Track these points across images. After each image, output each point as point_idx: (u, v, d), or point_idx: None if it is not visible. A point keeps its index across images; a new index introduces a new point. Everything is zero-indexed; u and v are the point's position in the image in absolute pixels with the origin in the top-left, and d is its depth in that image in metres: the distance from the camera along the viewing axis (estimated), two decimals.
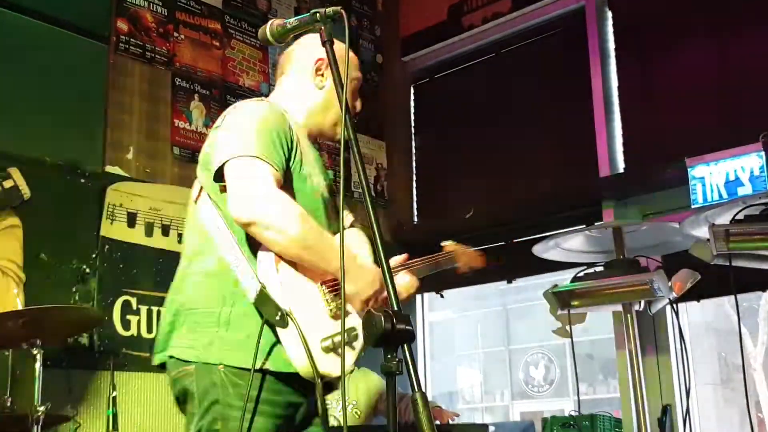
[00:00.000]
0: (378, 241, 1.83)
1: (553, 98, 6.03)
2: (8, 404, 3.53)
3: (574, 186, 5.71)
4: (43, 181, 4.48)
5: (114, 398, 4.06)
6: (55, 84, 4.67)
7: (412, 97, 6.98)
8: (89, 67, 4.88)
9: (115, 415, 4.16)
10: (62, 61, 4.74)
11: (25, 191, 4.43)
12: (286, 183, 2.26)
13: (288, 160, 2.27)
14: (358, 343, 2.27)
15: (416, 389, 1.61)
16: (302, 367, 2.14)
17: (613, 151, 5.59)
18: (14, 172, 4.40)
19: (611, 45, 5.76)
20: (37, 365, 3.39)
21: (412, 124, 6.93)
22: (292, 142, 2.30)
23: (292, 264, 2.21)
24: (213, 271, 2.25)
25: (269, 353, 2.16)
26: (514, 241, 6.08)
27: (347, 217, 2.61)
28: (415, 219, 6.76)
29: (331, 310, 2.26)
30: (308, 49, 2.53)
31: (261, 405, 2.15)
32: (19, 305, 4.07)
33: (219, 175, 2.22)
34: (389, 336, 1.66)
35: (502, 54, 6.41)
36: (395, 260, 2.63)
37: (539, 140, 6.05)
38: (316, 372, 2.13)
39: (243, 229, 2.17)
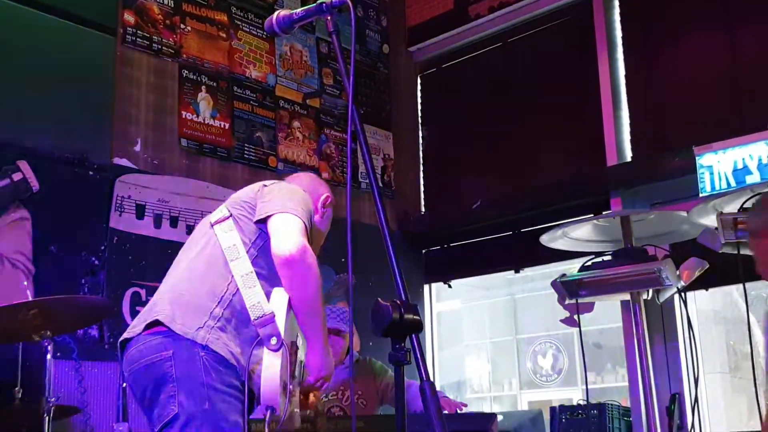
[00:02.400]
0: (386, 232, 1.83)
1: (561, 88, 6.02)
2: (19, 395, 3.55)
3: (582, 175, 5.70)
4: (51, 174, 4.50)
5: (124, 389, 4.08)
6: (62, 76, 4.69)
7: (419, 87, 6.97)
8: (97, 59, 4.89)
9: (124, 406, 4.18)
10: (70, 53, 4.75)
11: (34, 184, 4.44)
12: None
13: None
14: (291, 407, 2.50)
15: (424, 379, 1.61)
16: (267, 391, 2.35)
17: (621, 139, 5.58)
18: (23, 165, 4.42)
19: (618, 34, 5.74)
20: (48, 356, 3.41)
21: (419, 115, 6.92)
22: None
23: (291, 314, 2.48)
24: (218, 279, 2.49)
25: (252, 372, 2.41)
26: (522, 230, 6.08)
27: None
28: (422, 209, 6.76)
29: (290, 361, 2.47)
30: (317, 185, 2.96)
31: (236, 392, 2.35)
32: (29, 297, 4.09)
33: (261, 221, 2.56)
34: (397, 326, 1.66)
35: (509, 43, 6.39)
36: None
37: (546, 130, 6.04)
38: (276, 404, 2.38)
39: (279, 264, 2.43)
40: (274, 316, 2.39)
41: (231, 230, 2.55)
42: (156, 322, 2.38)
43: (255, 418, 3.70)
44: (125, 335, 2.45)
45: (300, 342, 2.58)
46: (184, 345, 2.33)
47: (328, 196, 2.89)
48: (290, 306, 2.46)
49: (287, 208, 2.52)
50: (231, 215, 2.60)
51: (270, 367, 2.34)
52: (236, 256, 2.49)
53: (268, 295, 2.44)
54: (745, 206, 3.66)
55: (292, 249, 2.42)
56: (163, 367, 2.32)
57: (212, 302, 2.43)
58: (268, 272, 2.49)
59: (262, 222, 2.54)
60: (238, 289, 2.44)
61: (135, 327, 2.44)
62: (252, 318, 2.39)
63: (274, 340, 2.35)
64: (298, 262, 2.41)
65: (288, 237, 2.45)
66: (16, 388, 3.56)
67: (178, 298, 2.45)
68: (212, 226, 2.60)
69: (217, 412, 2.28)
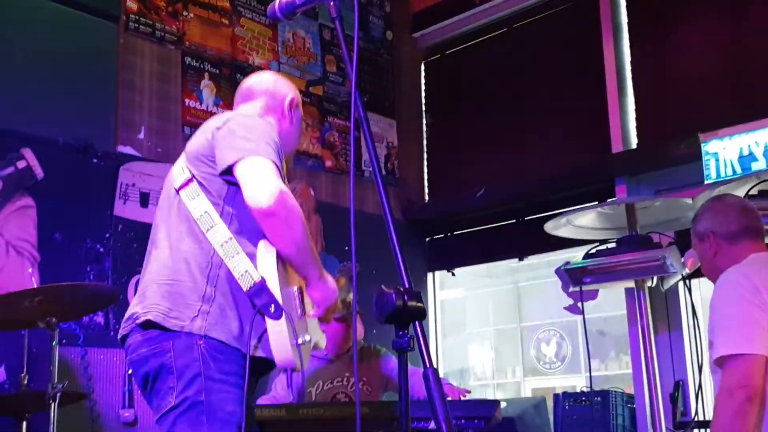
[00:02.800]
0: (389, 220, 1.83)
1: (566, 73, 6.00)
2: (25, 382, 3.57)
3: (587, 162, 5.69)
4: (55, 162, 4.51)
5: (129, 376, 4.10)
6: (66, 64, 4.68)
7: (423, 73, 6.96)
8: (100, 46, 4.89)
9: (130, 392, 4.20)
10: (73, 41, 4.75)
11: (39, 171, 4.45)
12: None
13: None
14: (309, 345, 2.39)
15: (428, 365, 1.62)
16: (281, 358, 2.27)
17: (626, 126, 5.57)
18: (27, 152, 4.43)
19: (624, 19, 5.72)
20: (54, 343, 3.42)
21: (423, 102, 6.91)
22: (283, 161, 2.47)
23: (280, 262, 2.33)
24: (200, 255, 2.35)
25: (260, 340, 2.29)
26: (526, 218, 6.08)
27: None
28: (426, 197, 6.76)
29: (298, 310, 2.39)
30: (281, 85, 2.74)
31: (236, 379, 2.27)
32: (35, 284, 4.10)
33: (225, 172, 2.35)
34: (400, 313, 1.67)
35: (514, 29, 6.37)
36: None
37: (551, 116, 6.02)
38: (301, 363, 2.28)
39: (258, 217, 2.27)
40: (265, 281, 2.25)
41: (198, 195, 2.39)
42: (150, 323, 2.31)
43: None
44: (122, 331, 2.40)
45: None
46: (181, 337, 2.28)
47: (293, 98, 2.70)
48: (279, 257, 2.32)
49: (249, 151, 2.32)
50: (193, 177, 2.42)
51: (276, 334, 2.24)
52: (211, 224, 2.34)
53: (253, 256, 2.30)
54: (750, 193, 3.65)
55: (268, 200, 2.23)
56: (162, 358, 2.28)
57: (201, 283, 2.31)
58: (249, 227, 2.34)
59: (228, 173, 2.34)
60: (223, 261, 2.31)
61: (128, 321, 2.37)
62: (244, 289, 2.27)
63: (272, 308, 2.23)
64: (277, 211, 2.24)
65: (260, 186, 2.25)
66: (23, 374, 3.57)
67: (166, 287, 2.35)
68: (177, 192, 2.44)
69: (214, 402, 2.23)
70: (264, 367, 2.37)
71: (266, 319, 2.25)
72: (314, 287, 2.44)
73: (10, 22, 4.51)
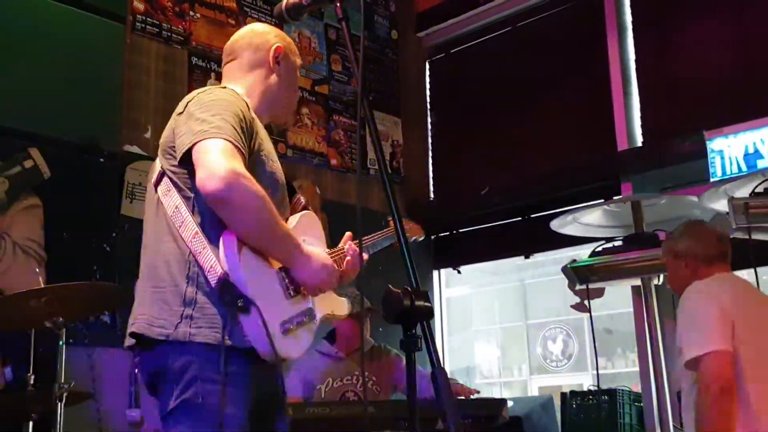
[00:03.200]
0: (396, 218, 1.84)
1: (570, 72, 6.00)
2: (31, 381, 3.58)
3: (592, 160, 5.69)
4: (62, 161, 4.52)
5: (136, 375, 4.10)
6: (73, 64, 4.69)
7: (428, 72, 6.96)
8: (107, 46, 4.90)
9: (136, 392, 4.21)
10: (80, 41, 4.76)
11: (45, 171, 4.46)
12: (248, 167, 2.24)
13: (249, 145, 2.27)
14: (311, 325, 2.32)
15: (436, 366, 1.62)
16: (263, 351, 2.16)
17: (631, 124, 5.56)
18: (34, 152, 4.44)
19: (628, 18, 5.71)
20: (60, 343, 3.43)
21: (428, 100, 6.91)
22: (251, 125, 2.31)
23: (252, 250, 2.21)
24: (178, 254, 2.25)
25: (232, 333, 2.16)
26: (532, 216, 6.07)
27: (301, 200, 2.63)
28: (431, 195, 6.76)
29: (288, 293, 2.28)
30: (263, 33, 2.58)
31: (236, 378, 2.16)
32: (42, 284, 4.11)
33: (185, 161, 2.22)
34: (408, 313, 1.67)
35: (518, 28, 6.36)
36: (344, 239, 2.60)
37: (556, 115, 6.02)
38: (277, 356, 2.15)
39: (210, 204, 2.15)
40: (227, 275, 2.13)
41: (170, 190, 2.27)
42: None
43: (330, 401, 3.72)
44: (126, 342, 2.34)
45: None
46: (172, 344, 2.21)
47: (278, 47, 2.52)
48: (234, 239, 2.17)
49: (202, 134, 2.17)
50: (164, 171, 2.31)
51: (249, 328, 2.13)
52: (181, 220, 2.22)
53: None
54: (756, 191, 3.65)
55: (216, 184, 2.08)
56: (159, 364, 2.23)
57: (181, 285, 2.21)
58: (217, 218, 2.19)
59: (187, 161, 2.20)
60: (196, 258, 2.20)
61: (127, 335, 2.33)
62: (213, 285, 2.15)
63: (240, 302, 2.11)
64: (227, 197, 2.09)
65: (208, 171, 2.10)
66: (29, 374, 3.58)
67: (150, 293, 2.29)
68: (155, 189, 2.34)
69: (209, 405, 2.15)
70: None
71: (239, 315, 2.13)
72: (295, 268, 2.27)
73: (18, 22, 4.52)
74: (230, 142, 2.16)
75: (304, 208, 2.59)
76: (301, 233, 2.39)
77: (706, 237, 3.29)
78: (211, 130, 2.17)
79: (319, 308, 2.37)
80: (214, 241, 2.18)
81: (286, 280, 2.28)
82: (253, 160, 2.28)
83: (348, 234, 2.57)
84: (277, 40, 2.55)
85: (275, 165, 2.40)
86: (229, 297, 2.13)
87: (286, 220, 2.40)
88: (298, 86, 2.62)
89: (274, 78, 2.52)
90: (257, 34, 2.59)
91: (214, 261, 2.16)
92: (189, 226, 2.21)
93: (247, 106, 2.36)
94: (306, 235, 2.41)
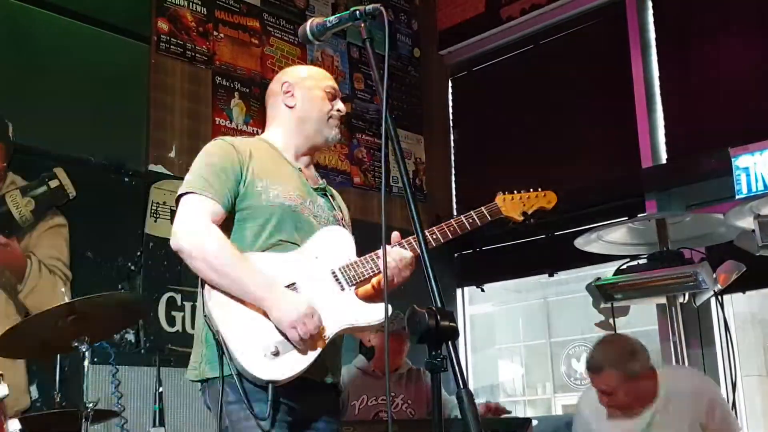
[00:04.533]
0: (420, 236, 1.84)
1: (594, 89, 5.98)
2: (57, 399, 3.60)
3: (616, 178, 5.66)
4: (87, 180, 4.56)
5: (160, 394, 4.11)
6: (98, 84, 4.74)
7: (450, 90, 6.96)
8: (132, 67, 4.95)
9: (161, 411, 4.21)
10: (105, 61, 4.81)
11: (71, 190, 4.50)
12: (239, 200, 2.48)
13: (237, 183, 2.48)
14: (297, 356, 2.33)
15: (461, 386, 1.61)
16: (250, 377, 2.28)
17: (656, 141, 5.53)
18: (59, 172, 4.48)
19: (652, 35, 5.70)
20: (86, 362, 3.44)
21: (450, 118, 6.91)
22: (240, 167, 2.49)
23: None
24: (199, 297, 2.46)
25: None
26: (556, 233, 6.04)
27: (338, 215, 2.73)
28: (455, 212, 6.74)
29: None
30: (277, 78, 2.77)
31: (258, 408, 2.28)
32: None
33: None
34: (433, 333, 1.66)
35: (541, 45, 6.36)
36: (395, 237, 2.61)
37: (580, 132, 6.00)
38: (255, 378, 2.27)
39: None
40: (208, 317, 2.36)
41: None
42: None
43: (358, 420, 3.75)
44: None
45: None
46: (206, 384, 2.43)
47: (285, 81, 2.70)
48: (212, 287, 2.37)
49: (182, 190, 2.47)
50: None
51: (235, 360, 2.28)
52: None
53: None
54: None
55: (174, 240, 2.40)
56: (207, 401, 2.46)
57: (201, 326, 2.44)
58: None
59: None
60: None
61: None
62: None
63: (219, 336, 2.31)
64: (180, 249, 2.38)
65: (173, 229, 2.42)
66: (56, 392, 3.60)
67: (195, 336, 2.53)
68: None
69: (235, 422, 2.33)
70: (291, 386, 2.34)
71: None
72: (267, 310, 2.34)
73: (43, 43, 4.57)
74: (196, 194, 2.42)
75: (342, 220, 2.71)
76: (315, 250, 2.49)
77: (632, 350, 3.29)
78: (186, 184, 2.46)
79: (336, 322, 2.40)
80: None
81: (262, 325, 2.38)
82: (246, 193, 2.48)
83: (395, 234, 2.59)
84: (286, 77, 2.73)
85: (280, 192, 2.51)
86: (214, 332, 2.34)
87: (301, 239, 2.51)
88: (326, 99, 2.69)
89: (289, 110, 2.68)
90: (273, 82, 2.78)
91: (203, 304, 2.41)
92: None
93: (235, 149, 2.52)
94: (321, 251, 2.49)
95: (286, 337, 2.31)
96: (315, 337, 2.33)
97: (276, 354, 2.28)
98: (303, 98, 2.67)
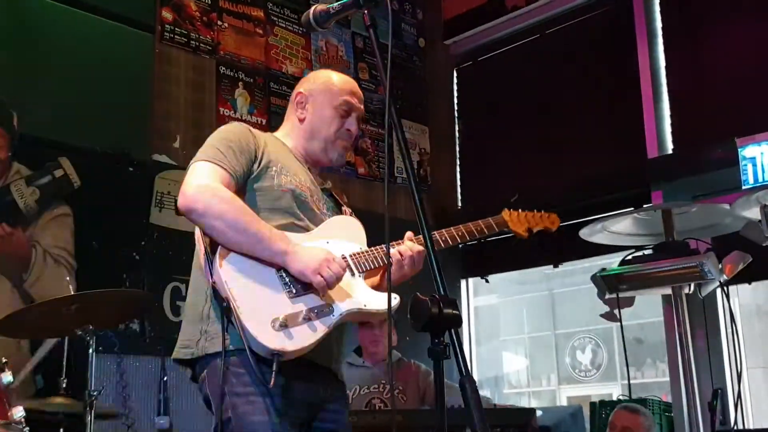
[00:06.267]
0: (424, 226, 1.83)
1: (600, 79, 5.95)
2: (63, 385, 3.61)
3: (622, 168, 5.64)
4: (92, 170, 4.56)
5: (165, 383, 4.12)
6: (102, 74, 4.74)
7: (455, 80, 6.94)
8: (135, 56, 4.94)
9: (166, 400, 4.22)
10: (109, 51, 4.81)
11: (75, 180, 4.50)
12: (251, 181, 2.45)
13: (251, 162, 2.46)
14: (323, 321, 2.32)
15: (464, 374, 1.60)
16: (256, 346, 2.21)
17: (662, 131, 5.51)
18: (64, 161, 4.48)
19: (658, 24, 5.67)
20: (90, 351, 3.45)
21: (455, 108, 6.89)
22: (254, 147, 2.48)
23: (245, 257, 2.32)
24: (201, 278, 2.40)
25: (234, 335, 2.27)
26: (561, 224, 6.02)
27: (347, 210, 2.75)
28: (459, 203, 6.73)
29: (289, 292, 2.32)
30: (299, 83, 2.75)
31: (259, 388, 2.25)
32: (72, 292, 4.14)
33: None
34: (436, 321, 1.65)
35: (547, 35, 6.33)
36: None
37: (585, 122, 5.98)
38: (269, 350, 2.20)
39: (185, 217, 2.34)
40: (215, 282, 2.29)
41: None
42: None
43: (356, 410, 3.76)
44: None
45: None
46: (203, 361, 2.35)
47: (298, 92, 2.68)
48: (226, 253, 2.31)
49: (192, 161, 2.44)
50: None
51: (240, 328, 2.22)
52: (198, 245, 2.41)
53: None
54: None
55: (184, 201, 2.32)
56: (202, 388, 2.38)
57: (202, 303, 2.38)
58: None
59: None
60: None
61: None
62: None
63: (225, 303, 2.25)
64: (193, 208, 2.30)
65: (181, 190, 2.34)
66: (62, 378, 3.60)
67: (185, 316, 2.47)
68: None
69: (240, 417, 2.26)
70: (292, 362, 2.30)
71: (231, 317, 2.25)
72: (285, 264, 2.32)
73: (47, 33, 4.57)
74: (208, 161, 2.38)
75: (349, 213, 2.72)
76: (326, 235, 2.48)
77: None
78: (199, 155, 2.42)
79: (345, 303, 2.38)
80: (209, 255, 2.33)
81: (287, 279, 2.34)
82: (259, 174, 2.46)
83: (409, 233, 2.59)
84: (303, 87, 2.70)
85: (291, 179, 2.51)
86: (219, 300, 2.27)
87: (316, 225, 2.50)
88: (336, 118, 2.65)
89: (298, 120, 2.67)
90: (294, 91, 2.74)
91: (208, 271, 2.32)
92: (200, 247, 2.38)
93: (252, 134, 2.52)
94: (332, 236, 2.49)
95: (296, 312, 2.28)
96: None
97: (284, 326, 2.24)
98: (313, 113, 2.65)
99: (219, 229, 2.29)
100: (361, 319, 2.49)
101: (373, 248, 2.52)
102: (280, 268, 2.34)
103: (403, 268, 2.50)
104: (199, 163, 2.39)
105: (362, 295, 2.44)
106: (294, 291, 2.32)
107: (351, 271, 2.45)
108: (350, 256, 2.47)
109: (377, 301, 2.45)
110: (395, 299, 2.35)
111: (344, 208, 2.73)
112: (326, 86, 2.66)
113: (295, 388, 2.32)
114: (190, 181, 2.35)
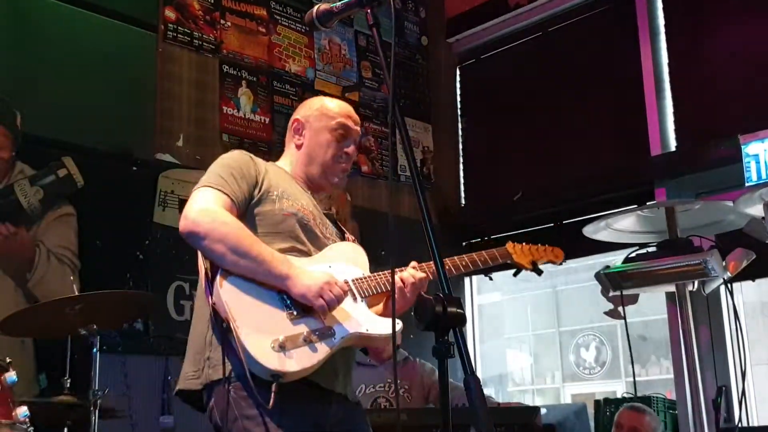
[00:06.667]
0: (428, 225, 1.83)
1: (603, 77, 5.95)
2: (67, 385, 3.61)
3: (625, 165, 5.63)
4: (95, 170, 4.56)
5: (169, 382, 4.13)
6: (105, 73, 4.74)
7: (458, 78, 6.94)
8: (139, 55, 4.94)
9: (169, 399, 4.23)
10: (112, 50, 4.81)
11: (79, 180, 4.51)
12: (252, 206, 2.46)
13: (252, 188, 2.47)
14: (325, 344, 2.31)
15: (469, 373, 1.60)
16: (255, 367, 2.21)
17: (665, 129, 5.50)
18: (67, 161, 4.48)
19: (661, 21, 5.66)
20: (94, 350, 3.46)
21: (458, 106, 6.89)
22: (255, 173, 2.50)
23: (246, 279, 2.32)
24: (199, 303, 2.42)
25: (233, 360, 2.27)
26: (564, 222, 6.03)
27: (349, 238, 2.74)
28: (462, 202, 6.73)
29: (290, 314, 2.32)
30: (294, 115, 2.75)
31: (266, 411, 2.22)
32: (75, 291, 4.15)
33: None
34: (440, 320, 1.65)
35: (550, 33, 6.33)
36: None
37: (589, 120, 5.97)
38: (269, 371, 2.19)
39: (186, 241, 2.35)
40: (215, 304, 2.28)
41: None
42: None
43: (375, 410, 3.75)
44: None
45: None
46: (209, 389, 2.34)
47: (294, 119, 2.71)
48: (227, 275, 2.31)
49: (195, 187, 2.45)
50: None
51: (244, 349, 2.20)
52: (201, 270, 2.41)
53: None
54: None
55: (184, 224, 2.33)
56: (211, 417, 2.36)
57: (205, 331, 2.37)
58: None
59: None
60: None
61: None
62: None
63: (224, 324, 2.24)
64: (194, 232, 2.31)
65: (183, 214, 2.36)
66: (65, 378, 3.61)
67: (190, 347, 2.44)
68: None
69: None
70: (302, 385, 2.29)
71: (230, 338, 2.24)
72: (286, 287, 2.32)
73: (51, 32, 4.57)
74: (210, 187, 2.40)
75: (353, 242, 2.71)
76: (328, 259, 2.49)
77: None
78: (202, 181, 2.45)
79: (346, 327, 2.38)
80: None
81: (288, 301, 2.34)
82: (260, 199, 2.47)
83: (413, 262, 2.61)
84: (298, 114, 2.72)
85: (293, 203, 2.52)
86: (220, 322, 2.26)
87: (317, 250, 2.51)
88: (333, 143, 2.65)
89: (296, 147, 2.69)
90: (294, 113, 2.77)
91: (208, 295, 2.31)
92: (201, 273, 2.39)
93: (253, 161, 2.54)
94: (335, 261, 2.50)
95: (297, 333, 2.27)
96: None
97: (283, 347, 2.23)
98: (310, 139, 2.67)
99: (220, 252, 2.30)
100: (363, 344, 2.48)
101: (375, 274, 2.52)
102: (282, 291, 2.34)
103: (406, 296, 2.50)
104: (201, 189, 2.41)
105: (364, 320, 2.43)
106: (295, 313, 2.32)
107: (353, 295, 2.45)
108: (353, 281, 2.47)
109: (379, 326, 2.45)
110: (398, 324, 2.36)
111: (347, 235, 2.73)
112: (322, 111, 2.68)
113: (301, 408, 2.30)
114: (191, 206, 2.37)
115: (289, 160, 2.70)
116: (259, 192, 2.47)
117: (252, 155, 2.58)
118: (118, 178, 4.66)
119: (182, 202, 4.85)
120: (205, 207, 2.35)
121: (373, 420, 3.76)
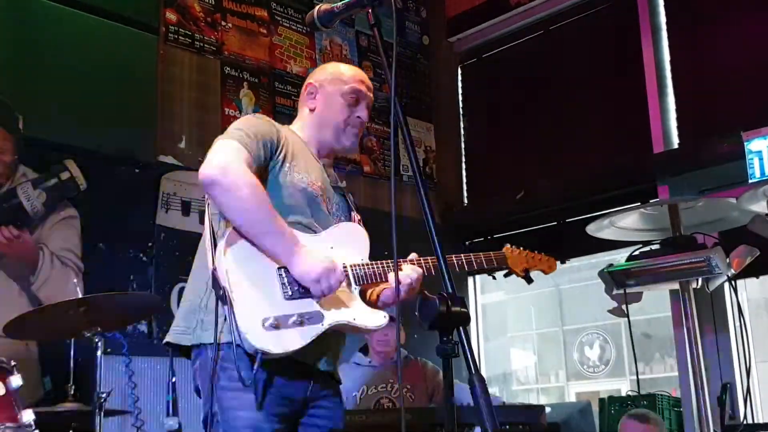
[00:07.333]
0: (431, 224, 1.83)
1: (605, 75, 5.94)
2: (71, 392, 3.61)
3: (628, 163, 5.63)
4: (98, 172, 4.57)
5: (173, 384, 4.12)
6: (107, 75, 4.75)
7: (460, 77, 6.93)
8: (140, 58, 4.94)
9: (174, 401, 4.23)
10: (114, 52, 4.81)
11: (82, 182, 4.51)
12: (267, 173, 2.46)
13: (270, 154, 2.47)
14: (312, 328, 2.33)
15: (473, 372, 1.60)
16: (244, 341, 2.22)
17: (667, 126, 5.50)
18: (70, 164, 4.49)
19: (662, 18, 5.65)
20: (98, 353, 3.46)
21: (460, 105, 6.89)
22: (276, 140, 2.50)
23: (250, 248, 2.33)
24: (204, 270, 2.40)
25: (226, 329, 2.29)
26: (567, 220, 6.02)
27: (356, 216, 2.77)
28: (465, 201, 6.73)
29: (285, 292, 2.34)
30: (307, 80, 2.77)
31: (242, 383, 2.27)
32: (79, 294, 4.15)
33: None
34: (445, 319, 1.65)
35: (551, 31, 6.32)
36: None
37: (591, 118, 5.97)
38: (246, 343, 2.22)
39: (204, 189, 2.32)
40: (216, 270, 2.29)
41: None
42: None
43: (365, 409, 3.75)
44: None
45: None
46: (197, 350, 2.39)
47: (308, 83, 2.73)
48: (235, 239, 2.32)
49: (217, 140, 2.42)
50: None
51: (232, 321, 2.22)
52: (204, 229, 2.43)
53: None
54: None
55: (209, 169, 2.30)
56: (194, 378, 2.43)
57: (202, 292, 2.39)
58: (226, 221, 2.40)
59: None
60: None
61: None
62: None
63: (221, 291, 2.25)
64: (217, 180, 2.29)
65: (206, 160, 2.33)
66: (69, 384, 3.61)
67: (184, 301, 2.49)
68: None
69: (226, 411, 2.31)
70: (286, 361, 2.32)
71: (225, 307, 2.24)
72: (289, 263, 2.34)
73: (52, 35, 4.58)
74: (235, 141, 2.36)
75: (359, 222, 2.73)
76: (331, 240, 2.50)
77: None
78: (224, 135, 2.42)
79: (335, 314, 2.40)
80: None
81: (285, 279, 2.35)
82: (276, 169, 2.48)
83: (413, 254, 2.62)
84: (312, 78, 2.74)
85: (306, 178, 2.53)
86: (219, 291, 2.26)
87: (323, 228, 2.52)
88: (346, 106, 2.68)
89: (309, 111, 2.71)
90: (308, 77, 2.78)
91: (210, 258, 2.32)
92: (207, 234, 2.39)
93: (275, 127, 2.55)
94: (337, 242, 2.51)
95: (288, 314, 2.29)
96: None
97: (273, 327, 2.26)
98: (323, 103, 2.69)
99: (238, 210, 2.30)
100: (351, 332, 2.51)
101: (374, 262, 2.53)
102: (281, 267, 2.36)
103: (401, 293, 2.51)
104: (228, 140, 2.38)
105: (354, 309, 2.45)
106: (290, 293, 2.35)
107: (348, 282, 2.46)
108: (351, 266, 2.48)
109: (367, 318, 2.47)
110: (384, 318, 2.44)
111: (353, 213, 2.74)
112: (335, 76, 2.71)
113: (279, 384, 2.34)
114: (217, 154, 2.33)
115: (302, 123, 2.73)
116: (276, 156, 2.48)
117: (272, 120, 2.60)
118: (120, 180, 4.67)
119: (185, 204, 4.86)
120: (232, 160, 2.32)
121: (377, 420, 3.77)
